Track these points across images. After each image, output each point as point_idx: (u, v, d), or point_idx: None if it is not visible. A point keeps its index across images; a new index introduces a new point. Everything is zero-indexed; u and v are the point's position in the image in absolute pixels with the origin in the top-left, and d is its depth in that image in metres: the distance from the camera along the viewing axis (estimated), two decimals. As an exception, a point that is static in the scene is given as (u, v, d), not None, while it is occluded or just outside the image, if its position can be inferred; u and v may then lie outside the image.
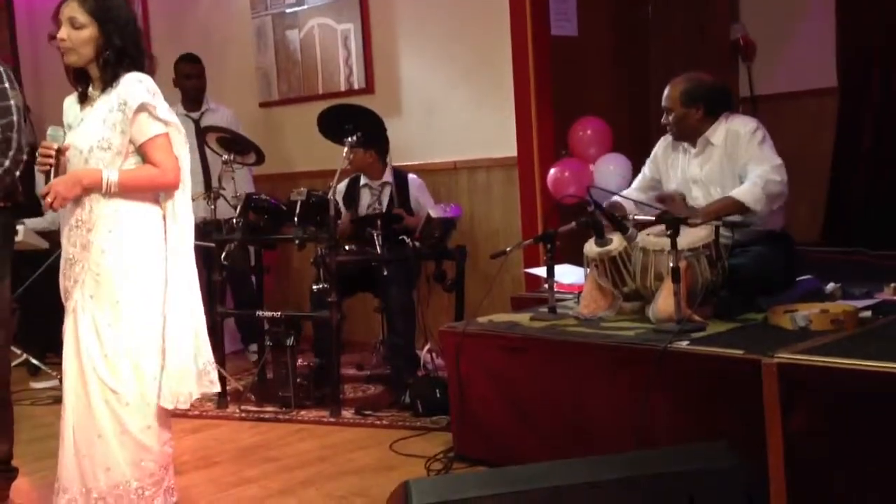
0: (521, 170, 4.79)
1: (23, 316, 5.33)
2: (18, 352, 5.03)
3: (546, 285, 3.57)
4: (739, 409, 2.65)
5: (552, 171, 4.63)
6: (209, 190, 4.58)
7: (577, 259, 3.69)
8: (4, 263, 3.10)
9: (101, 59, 2.68)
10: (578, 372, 3.08)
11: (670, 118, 3.52)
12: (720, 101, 3.52)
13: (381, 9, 5.36)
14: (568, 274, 3.96)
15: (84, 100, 2.77)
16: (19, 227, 4.11)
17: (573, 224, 3.47)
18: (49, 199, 2.62)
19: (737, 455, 2.18)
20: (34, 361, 5.13)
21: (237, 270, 4.83)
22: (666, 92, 3.53)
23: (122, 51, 2.68)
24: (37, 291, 4.99)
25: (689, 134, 3.51)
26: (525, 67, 4.72)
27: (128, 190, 2.68)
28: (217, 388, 2.96)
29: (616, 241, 3.37)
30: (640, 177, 3.79)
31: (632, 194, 3.66)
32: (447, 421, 3.68)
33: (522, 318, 3.52)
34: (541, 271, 3.77)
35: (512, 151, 4.81)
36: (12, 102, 2.96)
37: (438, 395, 3.91)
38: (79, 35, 2.65)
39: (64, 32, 2.66)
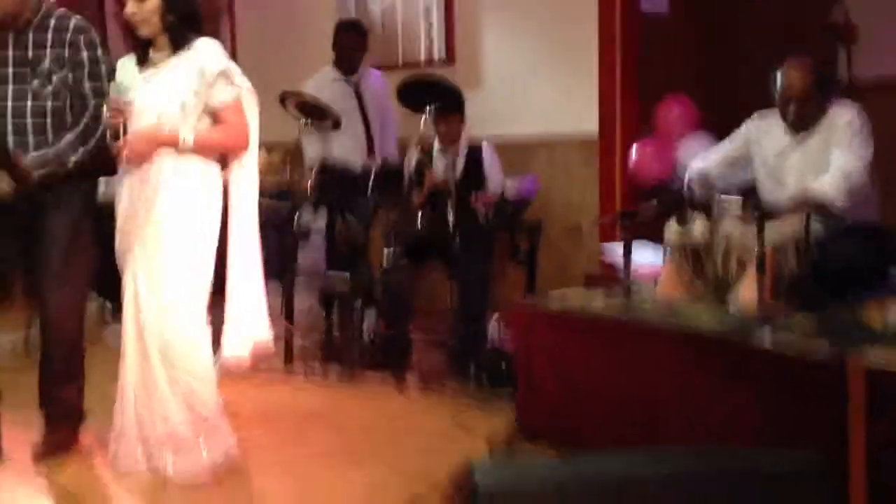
0: (602, 147, 4.69)
1: (105, 264, 5.45)
2: (95, 297, 5.13)
3: (622, 265, 3.49)
4: (821, 411, 2.51)
5: (634, 149, 4.52)
6: (371, 152, 4.69)
7: (656, 239, 3.59)
8: (89, 215, 3.18)
9: (167, 24, 2.75)
10: (650, 357, 2.99)
11: (793, 105, 3.34)
12: (833, 87, 3.38)
13: (465, -19, 5.29)
14: (646, 253, 3.85)
15: (143, 62, 2.83)
16: (101, 181, 4.19)
17: (654, 202, 3.38)
18: (125, 154, 2.68)
19: (827, 465, 2.06)
20: (109, 307, 5.23)
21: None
22: (791, 77, 3.32)
23: (185, 14, 2.78)
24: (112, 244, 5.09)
25: (809, 121, 3.36)
26: (612, 44, 4.62)
27: (201, 149, 2.74)
28: (269, 338, 3.00)
29: (699, 226, 3.27)
30: (719, 151, 3.63)
31: (711, 169, 3.53)
32: (511, 395, 3.64)
33: (595, 296, 3.45)
34: (617, 249, 3.69)
35: (593, 128, 4.71)
36: (103, 69, 3.03)
37: (504, 368, 3.86)
38: (145, 6, 2.75)
39: (131, 7, 2.76)
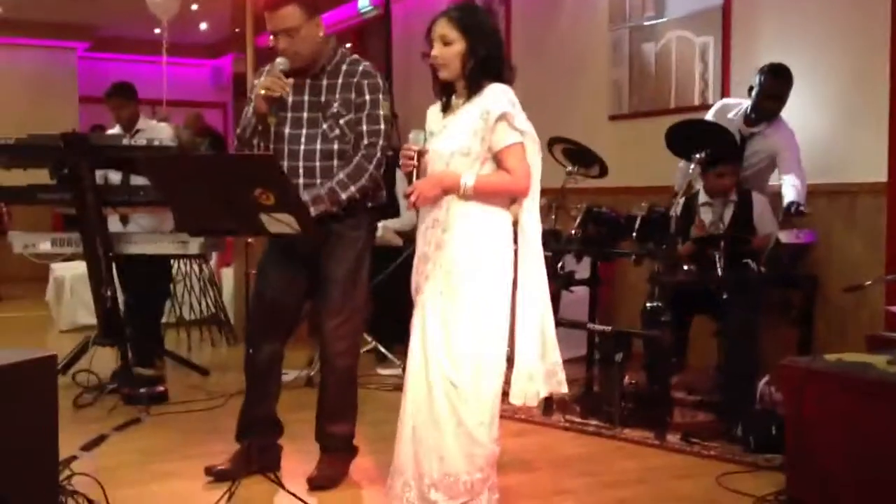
0: (892, 196, 4.32)
1: (376, 306, 5.77)
2: (369, 339, 5.44)
3: (910, 326, 3.19)
4: None
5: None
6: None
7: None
8: (367, 258, 3.37)
9: (466, 69, 2.82)
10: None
11: None
12: None
13: (744, 21, 5.13)
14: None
15: (447, 109, 2.94)
16: (379, 225, 4.45)
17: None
18: (412, 198, 2.81)
19: None
20: (382, 349, 5.52)
21: None
22: None
23: (485, 61, 2.82)
24: (390, 285, 5.37)
25: None
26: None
27: (482, 194, 2.81)
28: (565, 389, 2.99)
29: None
30: None
31: None
32: (780, 460, 3.42)
33: (879, 359, 3.16)
34: (904, 310, 3.38)
35: (882, 176, 4.36)
36: (381, 112, 3.21)
37: (774, 431, 3.64)
38: (449, 51, 2.82)
39: (437, 50, 2.84)
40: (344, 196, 3.17)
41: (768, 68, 4.45)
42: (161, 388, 4.64)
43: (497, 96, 2.80)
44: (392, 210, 5.78)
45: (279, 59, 3.15)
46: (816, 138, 4.64)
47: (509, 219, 2.88)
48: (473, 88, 2.84)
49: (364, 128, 3.19)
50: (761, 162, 4.48)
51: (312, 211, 3.08)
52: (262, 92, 3.09)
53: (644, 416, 4.17)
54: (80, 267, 5.52)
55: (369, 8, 8.53)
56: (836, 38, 4.61)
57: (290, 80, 3.13)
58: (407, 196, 2.85)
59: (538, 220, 2.91)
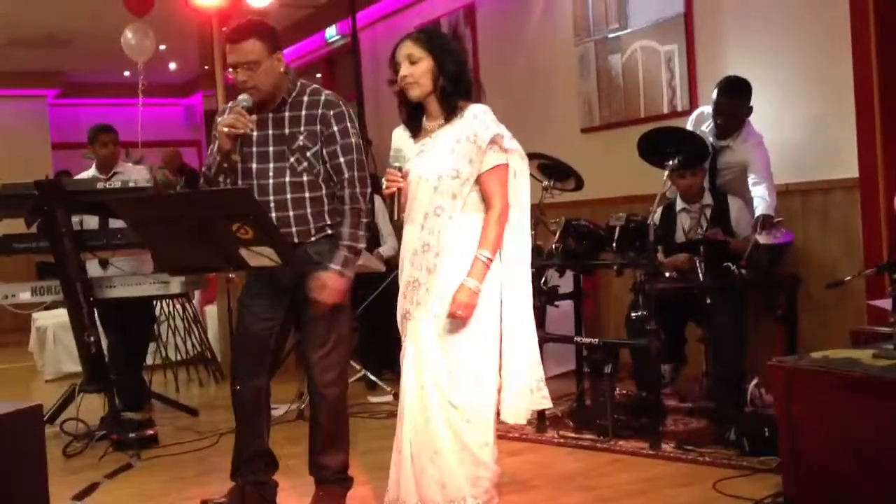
0: (864, 192, 4.37)
1: (361, 334, 5.75)
2: (357, 367, 5.42)
3: (892, 319, 3.21)
4: None
5: (901, 192, 4.18)
6: None
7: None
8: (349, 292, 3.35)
9: (438, 88, 2.83)
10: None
11: None
12: None
13: (707, 28, 5.19)
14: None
15: (416, 132, 2.94)
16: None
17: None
18: (455, 313, 2.77)
19: None
20: (371, 377, 5.51)
21: None
22: None
23: (455, 78, 2.84)
24: (374, 312, 5.37)
25: None
26: (868, 82, 4.32)
27: (497, 248, 2.83)
28: (550, 405, 3.00)
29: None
30: None
31: None
32: (776, 462, 3.43)
33: (864, 354, 3.18)
34: (885, 304, 3.40)
35: (853, 172, 4.41)
36: (353, 140, 3.21)
37: (767, 433, 3.66)
38: (418, 68, 2.84)
39: (405, 69, 2.85)
40: (362, 244, 3.21)
41: (719, 85, 4.48)
42: (151, 432, 4.59)
43: (483, 118, 2.82)
44: (372, 237, 5.78)
45: (242, 97, 3.15)
46: (787, 140, 4.68)
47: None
48: (451, 109, 2.85)
49: (342, 160, 3.18)
50: (733, 173, 4.51)
51: (348, 272, 3.14)
52: (226, 129, 3.09)
53: (637, 427, 4.18)
54: (62, 315, 5.49)
55: (337, 37, 8.57)
56: (800, 40, 4.67)
57: (254, 117, 3.13)
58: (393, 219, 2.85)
59: (528, 233, 2.93)
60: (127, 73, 9.77)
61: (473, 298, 2.78)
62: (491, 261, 2.81)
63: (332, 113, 3.19)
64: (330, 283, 3.12)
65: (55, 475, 2.76)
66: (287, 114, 3.21)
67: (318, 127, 3.18)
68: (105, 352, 4.86)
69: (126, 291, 4.86)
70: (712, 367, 4.36)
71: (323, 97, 3.22)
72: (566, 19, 6.16)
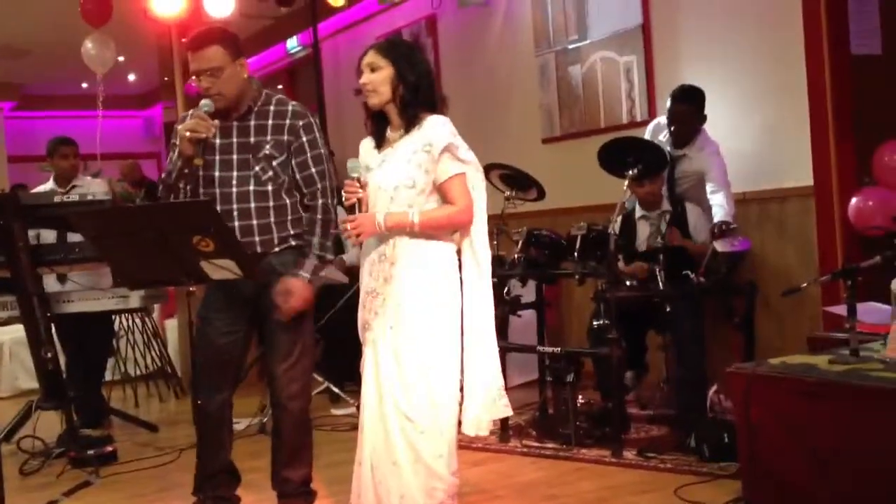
0: (819, 200, 4.45)
1: (325, 346, 5.72)
2: (320, 379, 5.39)
3: (847, 325, 3.27)
4: None
5: (854, 200, 4.26)
6: None
7: (882, 296, 3.35)
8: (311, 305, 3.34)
9: (398, 96, 2.84)
10: (885, 421, 2.77)
11: None
12: None
13: (664, 39, 5.26)
14: (872, 313, 3.59)
15: (381, 143, 2.94)
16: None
17: (878, 258, 3.16)
18: (353, 230, 2.78)
19: None
20: (334, 389, 5.48)
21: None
22: None
23: (415, 88, 2.84)
24: (337, 323, 5.35)
25: None
26: (822, 91, 4.41)
27: (427, 229, 2.81)
28: (511, 412, 3.01)
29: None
30: None
31: None
32: (736, 468, 3.47)
33: (820, 360, 3.24)
34: (841, 310, 3.46)
35: (808, 180, 4.49)
36: (322, 151, 3.22)
37: (726, 439, 3.70)
38: (377, 76, 2.84)
39: (365, 77, 2.86)
40: (330, 255, 3.20)
41: (673, 93, 4.55)
42: (110, 448, 4.53)
43: (438, 128, 2.82)
44: (336, 243, 5.76)
45: (203, 101, 3.12)
46: (743, 148, 4.76)
47: (454, 248, 2.91)
48: (410, 120, 2.85)
49: (313, 170, 3.18)
50: (691, 182, 4.58)
51: (316, 280, 3.11)
52: (188, 134, 3.06)
53: (600, 435, 4.21)
54: (19, 330, 5.38)
55: (298, 48, 8.56)
56: (756, 50, 4.75)
57: (216, 122, 3.11)
58: (343, 227, 2.83)
59: (487, 248, 2.93)
60: (85, 85, 9.66)
61: (372, 227, 2.80)
62: (414, 224, 2.80)
63: (300, 123, 3.18)
64: (296, 290, 3.10)
65: (11, 494, 2.71)
66: (253, 122, 3.19)
67: (286, 137, 3.17)
68: (63, 368, 4.78)
69: (84, 306, 4.79)
70: (676, 371, 4.40)
71: (290, 107, 3.21)
72: (526, 30, 6.21)
